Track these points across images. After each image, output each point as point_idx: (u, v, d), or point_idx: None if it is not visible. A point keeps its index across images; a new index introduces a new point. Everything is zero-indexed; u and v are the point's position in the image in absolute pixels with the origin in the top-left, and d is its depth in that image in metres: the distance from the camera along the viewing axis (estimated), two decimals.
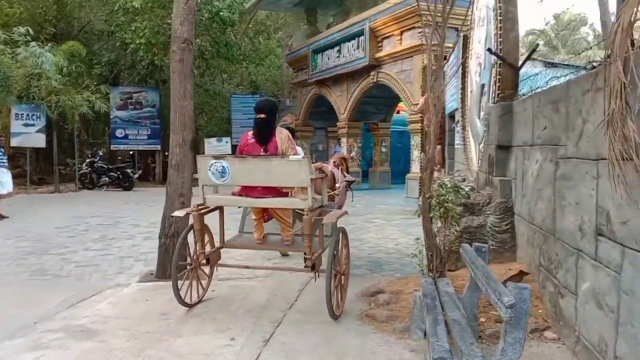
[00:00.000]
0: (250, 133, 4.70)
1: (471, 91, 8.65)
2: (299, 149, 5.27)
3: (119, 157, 22.18)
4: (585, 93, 3.56)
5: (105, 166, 17.79)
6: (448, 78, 11.68)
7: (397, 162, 18.76)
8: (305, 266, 4.48)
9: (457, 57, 10.37)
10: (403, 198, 13.83)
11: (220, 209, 4.88)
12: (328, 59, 17.13)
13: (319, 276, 4.67)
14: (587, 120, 3.49)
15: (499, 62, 6.55)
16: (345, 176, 6.57)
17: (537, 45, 9.28)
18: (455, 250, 5.35)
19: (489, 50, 6.56)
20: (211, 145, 20.23)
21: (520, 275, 4.70)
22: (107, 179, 17.42)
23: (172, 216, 5.25)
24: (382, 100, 16.46)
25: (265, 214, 4.97)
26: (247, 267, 5.46)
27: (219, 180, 4.34)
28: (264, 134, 4.59)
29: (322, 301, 4.79)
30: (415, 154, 13.14)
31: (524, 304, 2.65)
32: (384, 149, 17.49)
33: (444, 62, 12.92)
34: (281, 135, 4.67)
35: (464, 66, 9.57)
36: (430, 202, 4.75)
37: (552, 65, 10.96)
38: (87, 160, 17.82)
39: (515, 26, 6.59)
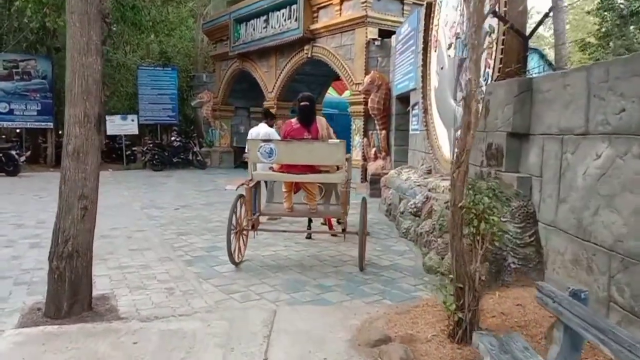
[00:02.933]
0: (294, 120, 5.79)
1: (442, 68, 7.36)
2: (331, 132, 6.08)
3: (3, 136, 18.96)
4: None
5: None
6: (397, 54, 10.39)
7: None
8: (343, 230, 5.94)
9: (413, 29, 9.06)
10: None
11: (258, 183, 5.77)
12: (253, 29, 15.28)
13: (345, 238, 6.13)
14: None
15: (501, 30, 5.28)
16: None
17: (552, 9, 8.14)
18: None
19: (494, 13, 5.23)
20: (114, 124, 17.75)
21: None
22: None
23: (68, 225, 3.79)
24: (315, 79, 14.94)
25: (294, 187, 5.86)
26: (285, 231, 6.67)
27: (267, 159, 5.19)
28: (308, 118, 5.70)
29: (303, 356, 3.27)
30: (357, 139, 11.79)
31: None
32: None
33: (389, 38, 11.64)
34: (321, 122, 5.84)
35: (426, 39, 8.28)
36: (463, 213, 3.33)
37: None
38: None
39: None
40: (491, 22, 5.57)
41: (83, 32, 3.79)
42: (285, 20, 13.66)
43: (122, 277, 5.09)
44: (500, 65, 5.23)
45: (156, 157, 17.09)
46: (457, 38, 6.86)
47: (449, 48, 7.20)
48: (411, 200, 6.75)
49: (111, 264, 5.54)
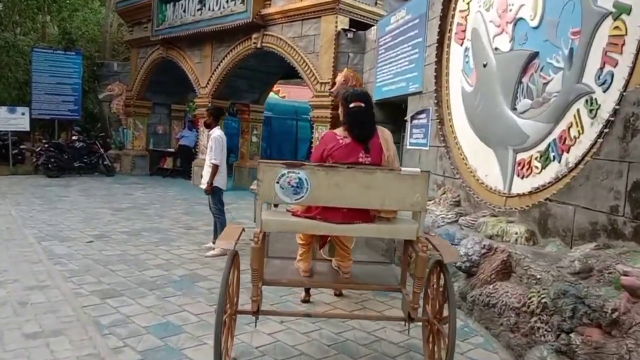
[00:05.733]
0: (340, 130, 3.42)
1: (484, 65, 5.47)
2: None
3: None
4: None
5: None
6: (382, 50, 8.47)
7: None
8: (410, 317, 3.27)
9: (418, 16, 7.16)
10: None
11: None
12: (184, 11, 12.64)
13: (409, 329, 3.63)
14: None
15: None
16: None
17: None
18: None
19: None
20: None
21: None
22: None
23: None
24: (259, 75, 12.56)
25: (321, 239, 3.85)
26: (308, 314, 4.04)
27: (291, 198, 3.02)
28: (366, 130, 3.34)
29: None
30: None
31: None
32: (254, 139, 13.59)
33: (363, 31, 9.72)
34: (384, 135, 3.46)
35: (443, 29, 6.39)
36: None
37: None
38: None
39: None
40: None
41: None
42: (227, 1, 11.24)
43: None
44: None
45: (52, 160, 13.82)
46: (515, 25, 5.01)
47: (494, 39, 5.34)
48: (458, 249, 4.76)
49: None
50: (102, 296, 4.59)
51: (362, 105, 3.30)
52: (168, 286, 4.98)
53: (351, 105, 3.30)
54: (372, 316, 4.20)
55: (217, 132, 6.33)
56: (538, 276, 3.64)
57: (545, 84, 4.51)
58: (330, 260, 3.89)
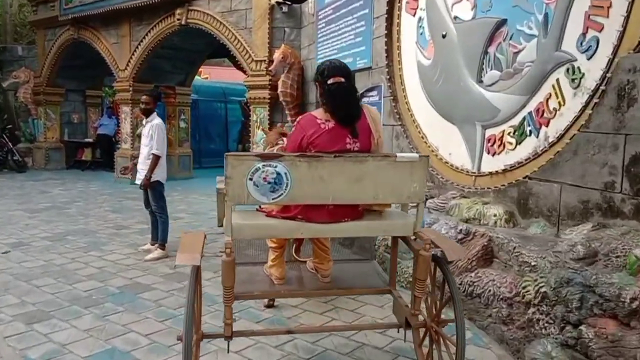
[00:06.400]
0: (320, 112, 2.77)
1: (444, 35, 5.10)
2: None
3: None
4: None
5: None
6: (323, 23, 7.95)
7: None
8: (408, 325, 2.89)
9: None
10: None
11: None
12: None
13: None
14: None
15: None
16: None
17: None
18: None
19: None
20: None
21: None
22: None
23: None
24: (185, 54, 11.60)
25: (296, 241, 3.74)
26: (290, 331, 3.35)
27: (268, 197, 2.50)
28: (352, 110, 2.74)
29: None
30: (260, 134, 9.05)
31: None
32: (182, 124, 12.67)
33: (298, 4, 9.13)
34: (371, 114, 2.86)
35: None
36: None
37: None
38: None
39: None
40: None
41: None
42: None
43: None
44: None
45: None
46: None
47: (453, 7, 4.98)
48: None
49: None
50: (28, 321, 3.85)
51: (343, 80, 2.74)
52: (106, 301, 4.30)
53: (330, 81, 2.72)
54: (366, 326, 3.73)
55: (157, 119, 5.68)
56: (532, 263, 3.34)
57: (516, 53, 4.21)
58: (304, 262, 3.40)
